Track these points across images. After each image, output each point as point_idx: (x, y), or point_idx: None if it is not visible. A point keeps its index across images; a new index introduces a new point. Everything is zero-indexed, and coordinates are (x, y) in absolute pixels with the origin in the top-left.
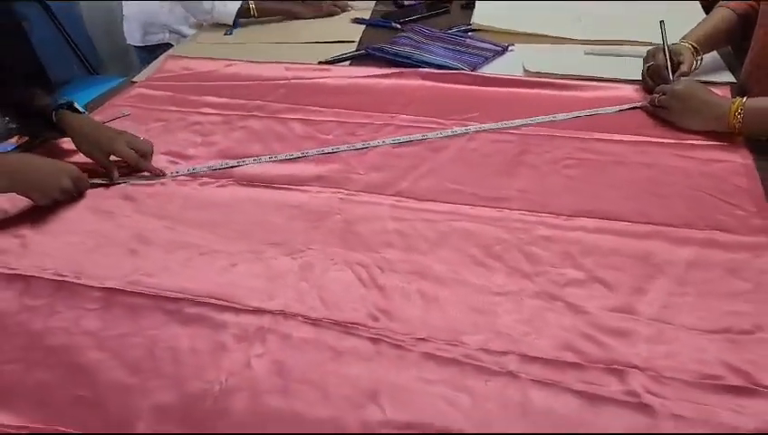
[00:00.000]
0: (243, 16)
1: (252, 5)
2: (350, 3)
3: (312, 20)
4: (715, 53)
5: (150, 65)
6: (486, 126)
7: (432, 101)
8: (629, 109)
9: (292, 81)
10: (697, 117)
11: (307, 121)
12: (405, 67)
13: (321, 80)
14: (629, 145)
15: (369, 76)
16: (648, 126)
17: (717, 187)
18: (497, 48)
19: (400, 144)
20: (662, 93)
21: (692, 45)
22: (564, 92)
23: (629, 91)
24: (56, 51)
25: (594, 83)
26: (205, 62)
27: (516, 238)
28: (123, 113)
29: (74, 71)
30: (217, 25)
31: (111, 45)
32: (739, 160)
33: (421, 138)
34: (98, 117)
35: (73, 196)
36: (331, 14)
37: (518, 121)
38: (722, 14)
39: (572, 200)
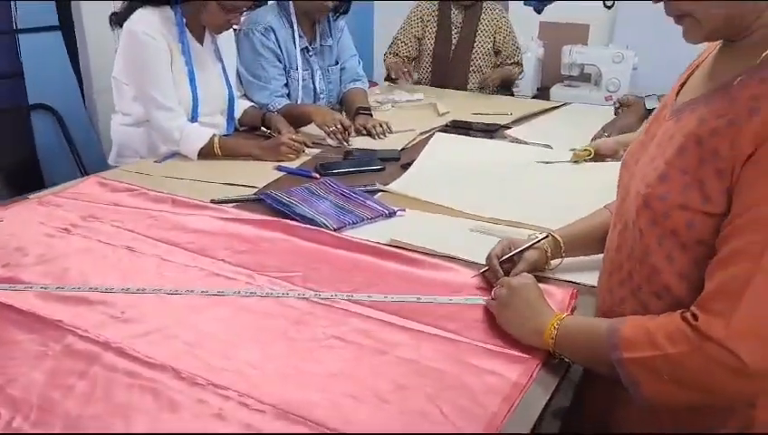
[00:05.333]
0: (207, 153)
1: (216, 144)
2: (307, 149)
3: (235, 161)
4: None
5: (71, 182)
6: (291, 290)
7: (267, 254)
8: (465, 301)
9: (166, 214)
10: (516, 321)
11: (135, 253)
12: (284, 217)
13: (190, 217)
14: (414, 335)
15: (235, 220)
16: (465, 321)
17: (459, 403)
18: (385, 211)
19: (185, 293)
20: (501, 286)
21: (553, 237)
22: (406, 268)
23: (477, 279)
24: (61, 156)
25: (447, 264)
26: (115, 185)
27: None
28: None
29: (75, 177)
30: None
31: None
32: (513, 378)
33: (215, 293)
34: None
35: None
36: (285, 160)
37: (326, 293)
38: (601, 216)
39: (285, 389)
